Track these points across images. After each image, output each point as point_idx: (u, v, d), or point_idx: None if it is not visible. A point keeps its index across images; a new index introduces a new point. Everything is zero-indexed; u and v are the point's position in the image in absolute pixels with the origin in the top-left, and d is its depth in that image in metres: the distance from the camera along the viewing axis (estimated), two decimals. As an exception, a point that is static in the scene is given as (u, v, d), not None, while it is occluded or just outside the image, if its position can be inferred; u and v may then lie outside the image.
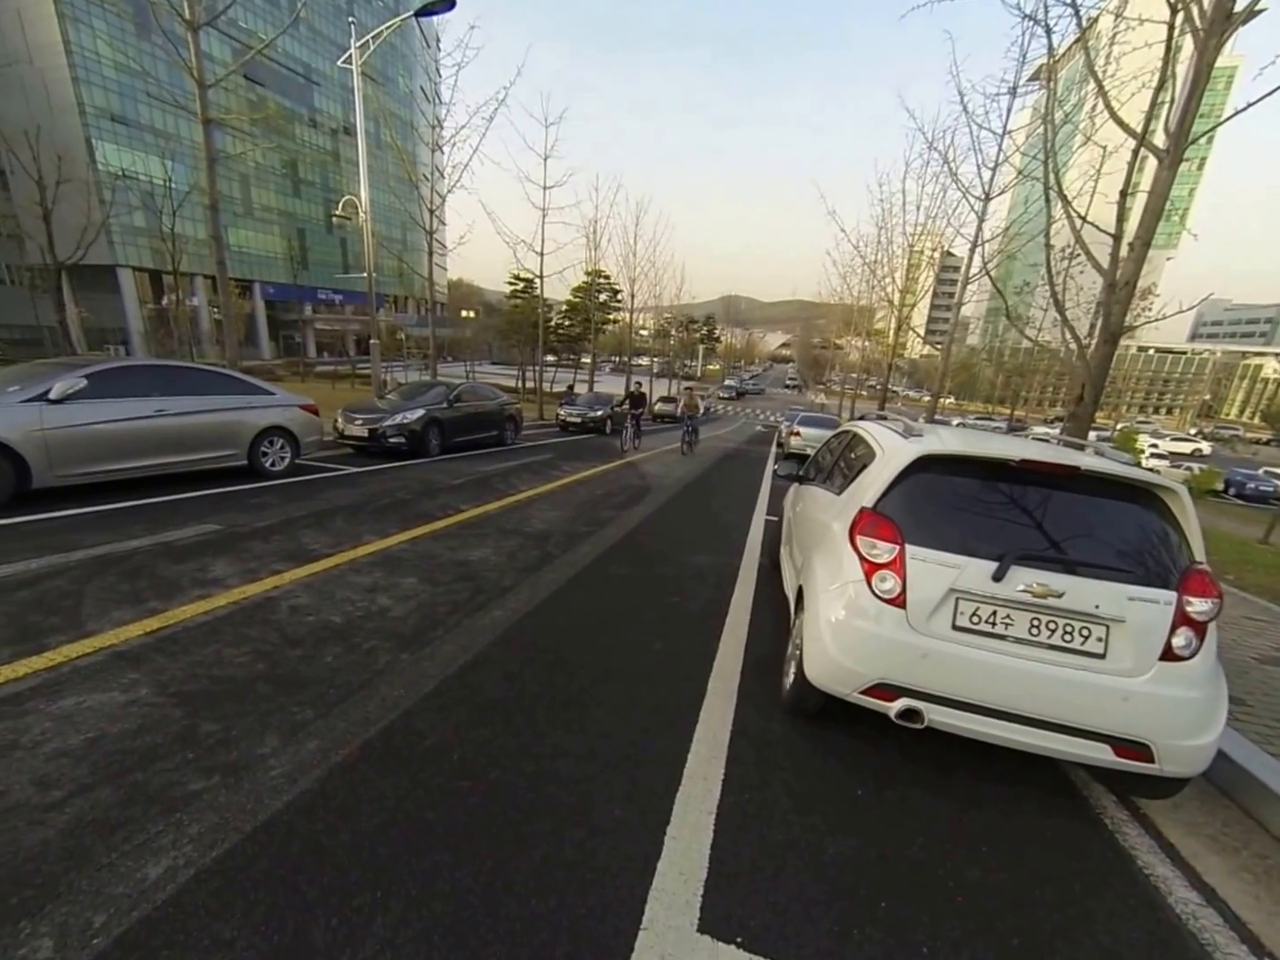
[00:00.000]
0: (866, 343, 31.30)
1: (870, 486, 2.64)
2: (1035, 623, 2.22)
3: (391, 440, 9.49)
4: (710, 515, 7.54)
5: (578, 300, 48.17)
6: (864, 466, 2.98)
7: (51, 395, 5.16)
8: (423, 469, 8.79)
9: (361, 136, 13.48)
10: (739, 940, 1.61)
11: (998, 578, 2.22)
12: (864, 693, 2.36)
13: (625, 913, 1.66)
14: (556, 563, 4.77)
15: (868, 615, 2.36)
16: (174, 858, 1.66)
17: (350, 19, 13.74)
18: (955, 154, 12.94)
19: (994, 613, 2.25)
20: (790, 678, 2.86)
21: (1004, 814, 2.29)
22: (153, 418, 5.92)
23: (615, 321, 51.65)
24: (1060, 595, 2.17)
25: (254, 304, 50.26)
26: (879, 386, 23.29)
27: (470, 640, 3.22)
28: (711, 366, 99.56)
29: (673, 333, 58.04)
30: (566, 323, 51.51)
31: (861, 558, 2.44)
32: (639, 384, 15.22)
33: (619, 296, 44.68)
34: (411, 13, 12.75)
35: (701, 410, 14.16)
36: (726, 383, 72.87)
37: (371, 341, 13.66)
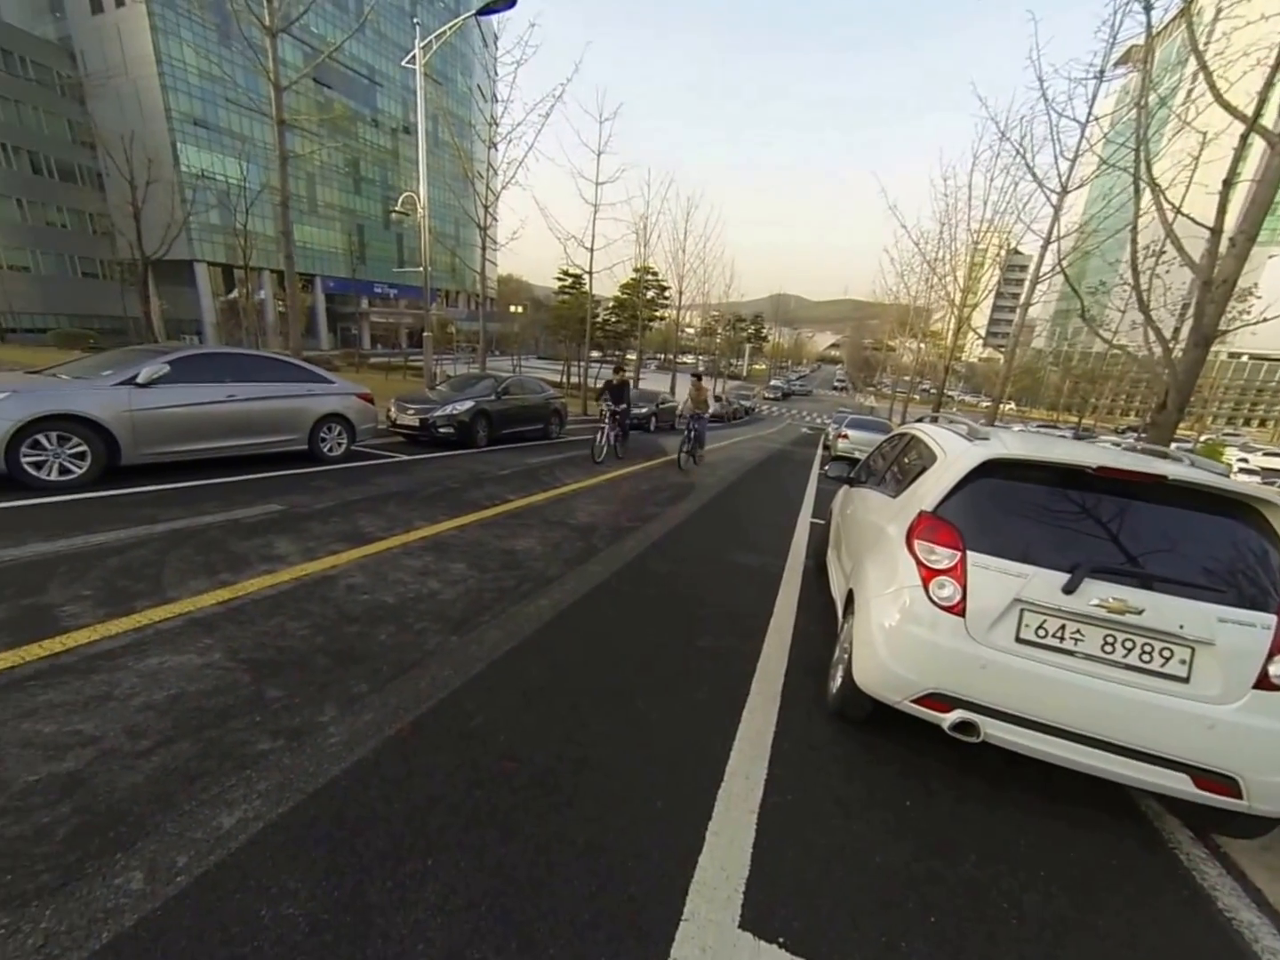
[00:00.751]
0: (922, 344, 30.32)
1: (930, 490, 2.58)
2: (1109, 640, 2.12)
3: (441, 430, 9.79)
4: (754, 516, 7.50)
5: (625, 297, 48.44)
6: (923, 470, 2.91)
7: (139, 379, 5.55)
8: (470, 459, 9.04)
9: (422, 135, 13.93)
10: (781, 940, 1.61)
11: (1069, 590, 2.13)
12: (916, 701, 2.31)
13: (666, 902, 1.68)
14: (600, 556, 4.83)
15: (923, 622, 2.30)
16: (245, 810, 1.78)
17: (415, 20, 14.21)
18: (1032, 144, 12.38)
19: (1063, 627, 2.16)
20: (837, 682, 2.82)
21: (1065, 839, 2.19)
22: (224, 402, 6.29)
23: (662, 318, 51.69)
24: (1139, 612, 2.06)
25: (315, 297, 52.60)
26: (933, 390, 22.49)
27: (516, 627, 3.31)
28: (757, 366, 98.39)
29: (719, 331, 57.58)
30: (613, 319, 51.88)
31: (919, 562, 2.39)
32: (620, 369, 10.81)
33: (666, 293, 44.75)
34: (473, 12, 13.11)
35: (712, 411, 10.06)
36: (772, 383, 71.84)
37: (424, 334, 14.12)
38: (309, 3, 12.86)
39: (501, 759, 2.18)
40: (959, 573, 2.28)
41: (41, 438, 4.99)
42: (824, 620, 3.99)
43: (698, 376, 11.31)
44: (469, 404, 10.24)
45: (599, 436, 10.21)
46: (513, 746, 2.26)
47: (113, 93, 40.57)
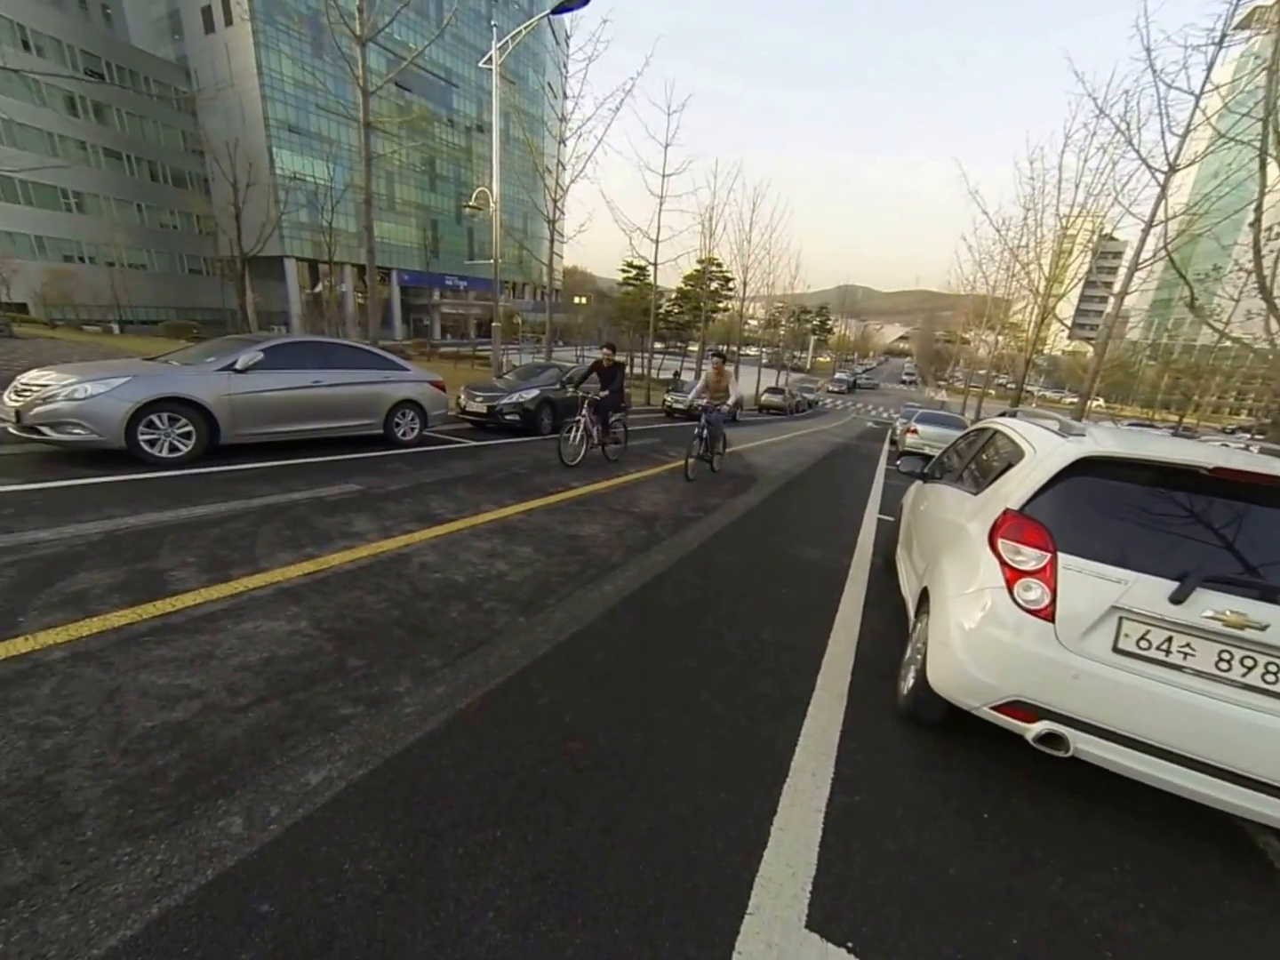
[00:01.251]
0: (1000, 337, 28.59)
1: (1017, 488, 2.42)
2: (1225, 656, 1.91)
3: (507, 417, 10.03)
4: (819, 510, 7.30)
5: (688, 288, 48.11)
6: (1007, 466, 2.75)
7: (237, 366, 5.96)
8: (535, 446, 9.19)
9: (496, 133, 14.21)
10: (850, 945, 1.55)
11: (1177, 600, 1.94)
12: (997, 708, 2.17)
13: (730, 894, 1.65)
14: (664, 544, 4.82)
15: (1006, 625, 2.15)
16: (329, 770, 1.87)
17: (493, 24, 14.50)
18: (1137, 119, 11.34)
19: (1169, 639, 1.97)
20: (909, 683, 2.70)
21: (1167, 869, 2.00)
22: (310, 388, 6.66)
23: (725, 310, 51.04)
24: (1263, 628, 1.85)
25: (391, 290, 54.98)
26: (1012, 384, 21.16)
27: (581, 611, 3.34)
28: (822, 359, 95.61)
29: (783, 322, 56.27)
30: (676, 310, 51.64)
31: (1003, 563, 2.24)
32: (612, 347, 8.27)
33: (730, 285, 44.16)
34: (547, 11, 13.23)
35: (733, 401, 8.03)
36: (837, 375, 69.63)
37: (493, 324, 14.48)
38: (395, 13, 13.41)
39: (567, 739, 2.20)
40: (1048, 575, 2.12)
41: (155, 418, 5.44)
42: (893, 619, 3.84)
43: (720, 356, 8.40)
44: (535, 392, 10.43)
45: (572, 433, 7.70)
46: (578, 727, 2.28)
47: (220, 104, 43.66)
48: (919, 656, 2.60)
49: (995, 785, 2.30)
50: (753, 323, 59.89)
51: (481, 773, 1.96)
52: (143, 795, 1.68)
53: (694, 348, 53.57)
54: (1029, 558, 2.18)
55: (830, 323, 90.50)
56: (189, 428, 5.66)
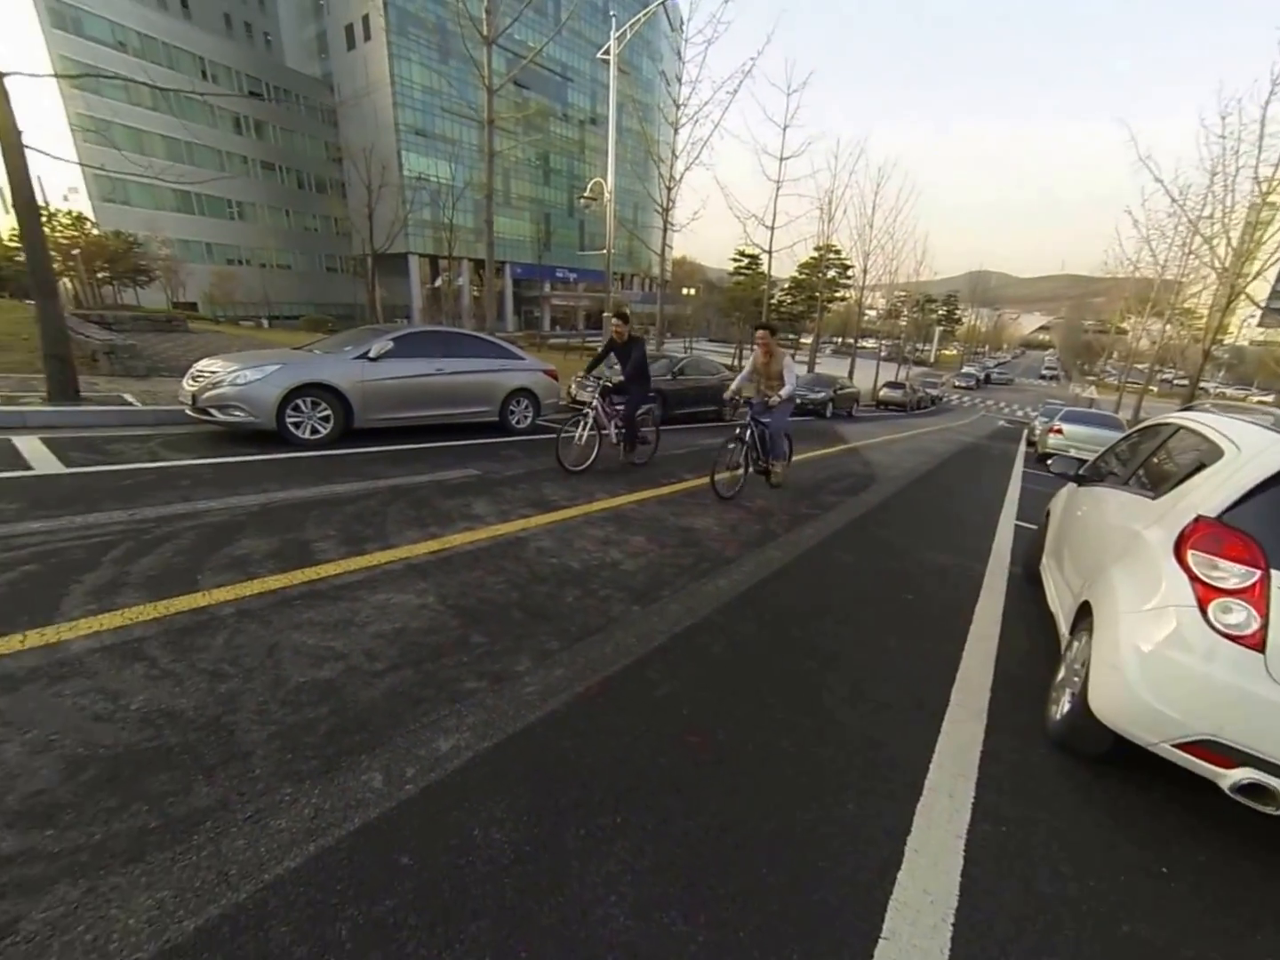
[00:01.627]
0: (1167, 325, 25.02)
1: (1214, 492, 2.13)
2: None
3: (618, 407, 10.23)
4: (946, 512, 6.86)
5: (803, 277, 46.58)
6: (1199, 466, 2.41)
7: (371, 354, 6.56)
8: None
9: (612, 123, 14.53)
10: (1007, 997, 1.40)
11: None
12: (1181, 747, 1.90)
13: (862, 914, 1.56)
14: (780, 541, 4.72)
15: (1197, 650, 1.87)
16: (457, 740, 1.99)
17: (612, 13, 14.83)
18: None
19: None
20: (1063, 707, 2.44)
21: None
22: (434, 375, 7.18)
23: (843, 299, 48.85)
24: None
25: (504, 282, 58.14)
26: (1179, 380, 18.40)
27: (696, 604, 3.33)
28: (948, 351, 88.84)
29: (904, 312, 52.89)
30: (789, 300, 50.21)
31: (1193, 577, 1.96)
32: (625, 316, 6.53)
33: (849, 272, 42.27)
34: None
35: (787, 392, 5.84)
36: (965, 370, 64.36)
37: (605, 315, 14.84)
38: (517, 13, 14.14)
39: (685, 731, 2.20)
40: (1257, 596, 1.83)
41: (300, 402, 6.12)
42: (1038, 634, 3.51)
43: (768, 330, 6.17)
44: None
45: (577, 429, 6.27)
46: (696, 721, 2.27)
47: (357, 113, 48.29)
48: (1077, 679, 2.37)
49: (1177, 837, 2.00)
50: (871, 313, 56.91)
51: (601, 758, 2.01)
52: (298, 743, 1.88)
53: (806, 340, 51.73)
54: (1230, 574, 1.89)
55: (959, 312, 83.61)
56: (328, 412, 6.31)
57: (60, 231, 29.18)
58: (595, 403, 6.43)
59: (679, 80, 18.81)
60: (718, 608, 3.32)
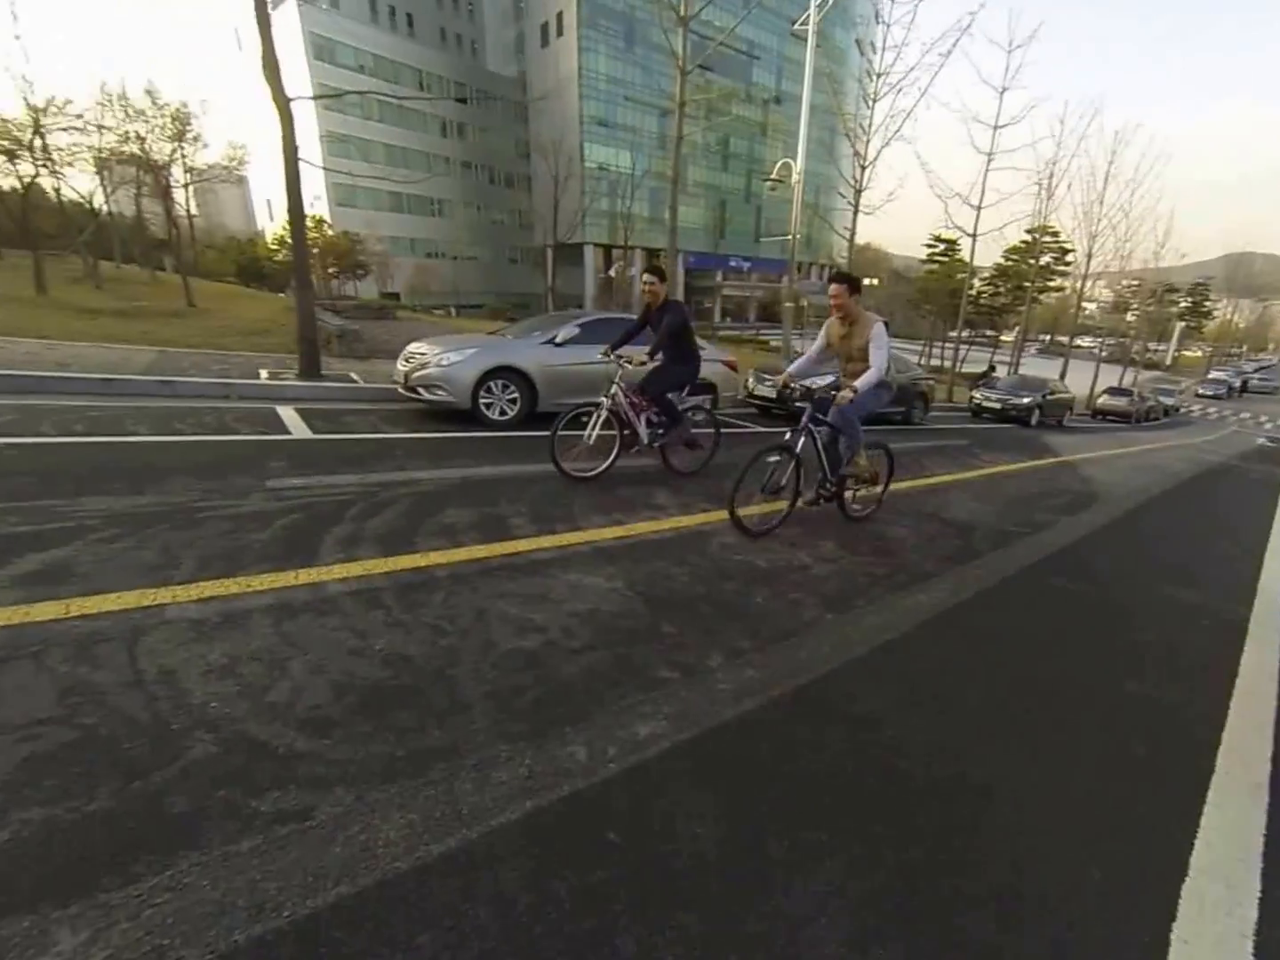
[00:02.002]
0: None
1: None
2: None
3: (798, 404, 9.96)
4: (1190, 542, 5.89)
5: (1010, 263, 41.55)
6: None
7: (557, 339, 7.04)
8: (821, 439, 9.02)
9: (806, 98, 14.11)
10: None
11: None
12: None
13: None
14: (984, 558, 4.32)
15: None
16: (654, 727, 2.05)
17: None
18: None
19: None
20: None
21: None
22: (611, 362, 7.52)
23: (1057, 290, 42.90)
24: None
25: (676, 271, 59.43)
26: None
27: (893, 618, 3.14)
28: (1191, 353, 73.89)
29: (1134, 305, 44.80)
30: (989, 290, 45.07)
31: None
32: (660, 271, 5.46)
33: (1068, 258, 37.02)
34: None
35: (875, 376, 4.15)
36: (1212, 375, 53.28)
37: (785, 305, 14.58)
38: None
39: (890, 753, 2.07)
40: None
41: (492, 384, 6.76)
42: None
43: (846, 281, 4.37)
44: (830, 378, 10.16)
45: (588, 426, 5.08)
46: (901, 744, 2.12)
47: (545, 108, 52.27)
48: None
49: None
50: (1090, 306, 49.10)
51: (800, 768, 1.95)
52: (510, 706, 2.06)
53: (1008, 337, 46.11)
54: None
55: (1209, 304, 68.40)
56: (515, 394, 6.90)
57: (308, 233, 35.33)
58: (615, 391, 5.17)
59: (882, 45, 17.70)
60: (917, 624, 3.10)
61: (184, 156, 26.06)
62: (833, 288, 4.35)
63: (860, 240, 21.53)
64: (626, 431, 5.25)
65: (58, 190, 24.48)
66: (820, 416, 4.55)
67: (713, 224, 61.94)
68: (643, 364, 5.19)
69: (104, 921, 1.23)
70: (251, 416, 6.18)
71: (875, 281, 52.33)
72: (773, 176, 15.19)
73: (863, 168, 17.45)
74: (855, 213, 17.68)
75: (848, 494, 4.77)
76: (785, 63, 61.87)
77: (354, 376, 8.73)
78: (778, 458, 4.20)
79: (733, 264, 63.70)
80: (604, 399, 5.13)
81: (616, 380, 5.19)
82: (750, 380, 10.64)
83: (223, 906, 1.29)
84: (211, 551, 2.96)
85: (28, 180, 20.50)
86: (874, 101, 17.48)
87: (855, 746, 2.10)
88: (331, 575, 2.82)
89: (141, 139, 22.75)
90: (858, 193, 17.57)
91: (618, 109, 52.71)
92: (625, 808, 1.70)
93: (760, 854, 1.61)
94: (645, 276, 5.41)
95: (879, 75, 17.24)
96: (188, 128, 24.41)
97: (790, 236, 14.64)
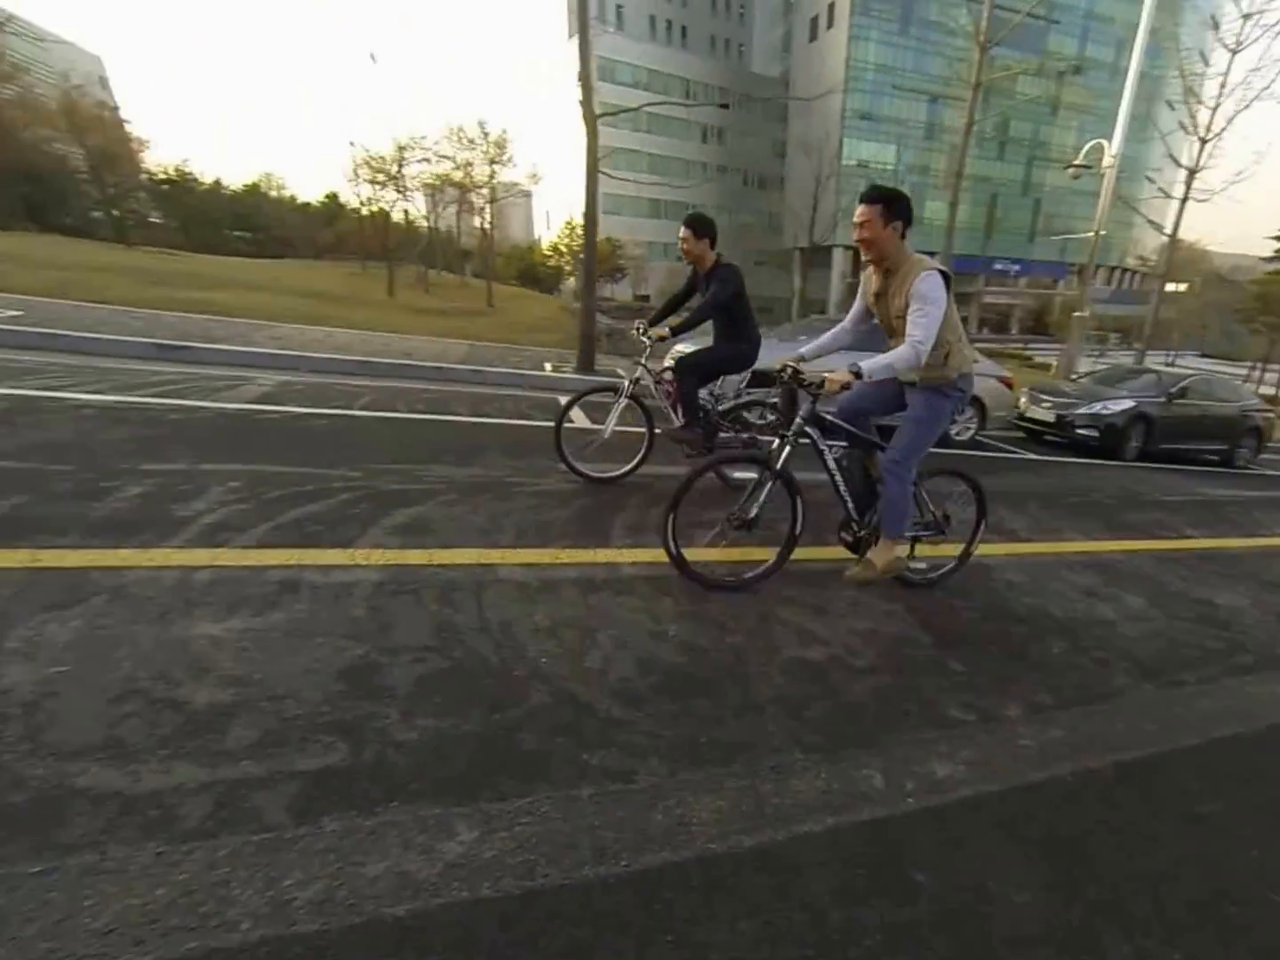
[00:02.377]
0: None
1: None
2: None
3: (1080, 431, 8.55)
4: None
5: None
6: None
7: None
8: (1115, 473, 7.58)
9: (1137, 59, 11.86)
10: None
11: None
12: None
13: None
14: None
15: None
16: (951, 770, 1.92)
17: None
18: None
19: None
20: None
21: None
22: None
23: None
24: None
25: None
26: None
27: (1237, 706, 2.57)
28: None
29: None
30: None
31: None
32: (692, 230, 4.11)
33: None
34: None
35: (920, 353, 2.54)
36: None
37: (1075, 315, 12.55)
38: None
39: (1268, 888, 1.67)
40: None
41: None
42: None
43: (882, 199, 2.58)
44: (1127, 404, 8.56)
45: (610, 414, 4.42)
46: (1267, 870, 1.71)
47: (806, 106, 51.39)
48: None
49: None
50: None
51: (1131, 857, 1.68)
52: (799, 715, 2.10)
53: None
54: None
55: None
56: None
57: (576, 240, 39.55)
58: (640, 374, 4.36)
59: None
60: (1274, 722, 2.47)
61: (495, 177, 30.90)
62: (859, 209, 2.65)
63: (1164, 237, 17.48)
64: (658, 431, 4.45)
65: (406, 212, 30.67)
66: (834, 420, 3.02)
67: (980, 221, 55.24)
68: (662, 339, 4.17)
69: (487, 827, 1.51)
70: (542, 405, 7.12)
71: (1182, 287, 41.95)
72: (1077, 162, 13.03)
73: (1202, 142, 14.15)
74: (1184, 201, 14.43)
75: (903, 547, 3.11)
76: (1092, 23, 52.56)
77: (620, 372, 9.58)
78: (763, 485, 2.88)
79: (998, 267, 56.11)
80: (625, 383, 4.34)
81: (643, 361, 4.37)
82: (1024, 400, 9.35)
83: (572, 840, 1.50)
84: (525, 523, 3.45)
85: (389, 205, 26.05)
86: (1235, 53, 14.00)
87: (1198, 852, 1.75)
88: (623, 558, 3.13)
89: (470, 164, 27.52)
90: (1191, 174, 14.30)
91: (883, 100, 49.60)
92: (931, 849, 1.62)
93: (1094, 947, 1.43)
94: (681, 231, 4.19)
95: (1246, 17, 13.76)
96: (504, 151, 28.91)
97: (1093, 234, 12.41)
